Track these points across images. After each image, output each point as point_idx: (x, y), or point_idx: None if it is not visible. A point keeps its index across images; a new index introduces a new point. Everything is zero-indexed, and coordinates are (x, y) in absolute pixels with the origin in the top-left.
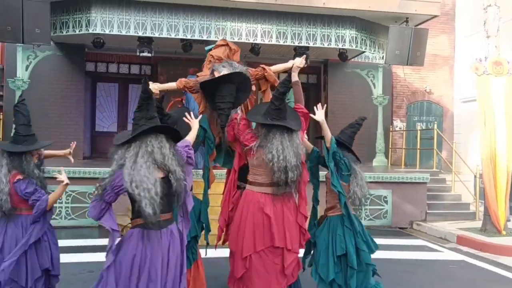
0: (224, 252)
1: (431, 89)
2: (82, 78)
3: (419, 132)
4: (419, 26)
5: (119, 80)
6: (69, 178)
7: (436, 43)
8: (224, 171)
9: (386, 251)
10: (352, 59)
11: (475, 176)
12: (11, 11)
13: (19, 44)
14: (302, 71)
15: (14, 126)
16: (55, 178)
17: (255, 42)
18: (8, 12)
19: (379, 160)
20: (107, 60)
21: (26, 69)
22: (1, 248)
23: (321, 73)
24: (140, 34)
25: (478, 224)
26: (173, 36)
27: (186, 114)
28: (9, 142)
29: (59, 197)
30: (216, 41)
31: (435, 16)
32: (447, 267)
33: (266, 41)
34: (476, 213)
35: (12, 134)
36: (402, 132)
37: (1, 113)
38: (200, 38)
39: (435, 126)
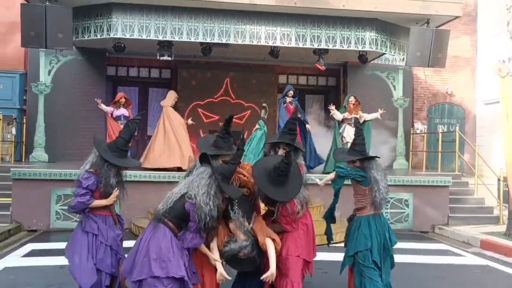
0: None
1: (452, 91)
2: (103, 82)
3: (440, 134)
4: (440, 27)
5: (139, 84)
6: None
7: (457, 45)
8: None
9: (408, 255)
10: (372, 61)
11: (498, 179)
12: (34, 17)
13: (42, 49)
14: (321, 73)
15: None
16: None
17: (274, 45)
18: (32, 18)
19: (399, 163)
20: (127, 64)
21: (49, 74)
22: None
23: (340, 75)
24: (160, 38)
25: (502, 228)
26: (193, 39)
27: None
28: (105, 145)
29: (98, 205)
30: (236, 44)
31: (457, 17)
32: (470, 272)
33: (286, 44)
34: (500, 217)
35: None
36: (423, 134)
37: (25, 117)
38: (220, 42)
39: (457, 128)
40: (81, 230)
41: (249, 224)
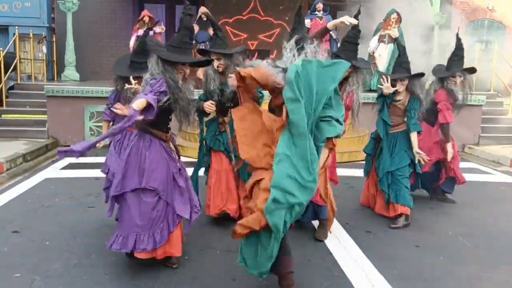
0: None
1: (493, 6)
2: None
3: (477, 52)
4: None
5: (165, 1)
6: None
7: None
8: None
9: None
10: None
11: None
12: None
13: None
14: None
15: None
16: None
17: None
18: None
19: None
20: None
21: None
22: None
23: None
24: None
25: None
26: None
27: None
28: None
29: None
30: None
31: None
32: (498, 188)
33: None
34: None
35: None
36: None
37: (54, 35)
38: None
39: (496, 46)
40: None
41: None
